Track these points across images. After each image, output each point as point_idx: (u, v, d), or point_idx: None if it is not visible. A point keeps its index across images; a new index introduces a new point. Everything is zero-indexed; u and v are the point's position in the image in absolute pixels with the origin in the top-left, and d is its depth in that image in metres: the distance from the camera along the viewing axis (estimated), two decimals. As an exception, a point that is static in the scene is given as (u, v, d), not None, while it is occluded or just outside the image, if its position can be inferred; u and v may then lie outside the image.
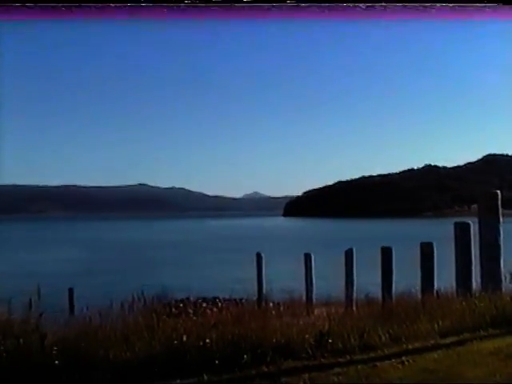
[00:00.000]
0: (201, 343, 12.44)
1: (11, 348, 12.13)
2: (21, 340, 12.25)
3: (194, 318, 14.37)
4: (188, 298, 27.78)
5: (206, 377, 11.56)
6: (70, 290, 16.59)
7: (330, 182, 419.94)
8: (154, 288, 18.28)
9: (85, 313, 13.69)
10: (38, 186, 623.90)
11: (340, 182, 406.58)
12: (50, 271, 52.36)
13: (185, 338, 12.54)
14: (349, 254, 21.09)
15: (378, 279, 19.82)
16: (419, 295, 17.92)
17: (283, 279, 30.76)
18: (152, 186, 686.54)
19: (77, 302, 16.87)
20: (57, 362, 11.89)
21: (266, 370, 11.90)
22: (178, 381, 11.52)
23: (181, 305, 18.83)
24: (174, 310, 15.66)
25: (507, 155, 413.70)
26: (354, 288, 20.59)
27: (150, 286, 17.12)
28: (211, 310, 16.32)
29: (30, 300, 12.91)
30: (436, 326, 13.86)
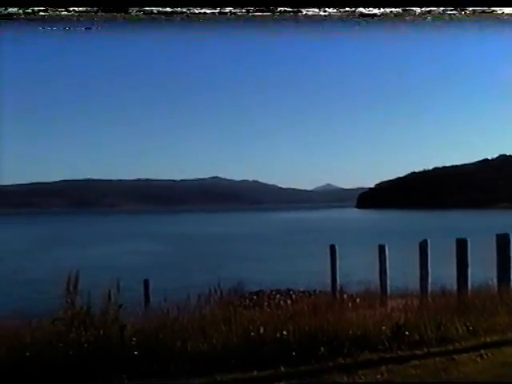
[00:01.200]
0: (278, 335, 12.49)
1: (92, 339, 12.36)
2: (101, 331, 12.48)
3: (269, 309, 14.40)
4: (262, 291, 27.86)
5: (282, 369, 11.60)
6: (146, 282, 16.76)
7: (403, 174, 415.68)
8: (228, 280, 18.38)
9: (162, 305, 13.84)
10: (111, 181, 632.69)
11: (413, 174, 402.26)
12: (125, 264, 53.04)
13: (262, 330, 12.60)
14: (423, 246, 20.86)
15: (453, 271, 19.58)
16: (496, 287, 17.65)
17: (357, 271, 30.62)
18: (225, 179, 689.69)
19: (153, 295, 17.04)
20: (136, 352, 12.09)
21: (342, 362, 11.89)
22: (255, 372, 11.58)
23: (255, 297, 18.92)
24: (248, 302, 15.73)
25: None
26: (429, 280, 20.37)
27: (224, 279, 17.20)
28: (285, 302, 16.33)
29: (109, 292, 13.10)
30: (515, 318, 13.67)
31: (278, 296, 21.03)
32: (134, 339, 12.33)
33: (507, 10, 5.65)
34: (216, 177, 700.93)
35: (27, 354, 12.15)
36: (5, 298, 31.46)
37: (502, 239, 19.17)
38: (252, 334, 12.60)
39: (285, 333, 12.55)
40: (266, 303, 15.84)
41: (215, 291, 15.08)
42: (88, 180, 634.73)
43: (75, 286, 12.84)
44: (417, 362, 11.44)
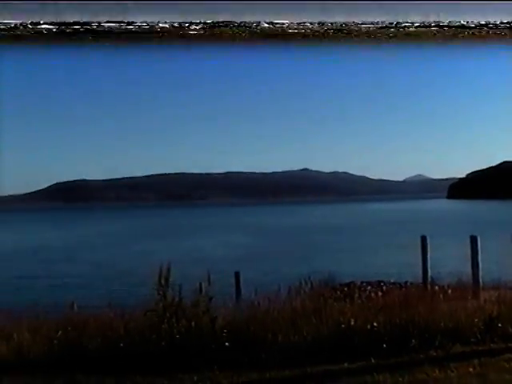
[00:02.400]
0: (368, 327, 12.44)
1: (183, 330, 12.54)
2: (192, 323, 12.64)
3: (359, 301, 14.34)
4: (353, 282, 27.71)
5: (373, 360, 11.56)
6: (237, 274, 16.89)
7: (495, 163, 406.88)
8: (318, 272, 18.38)
9: (253, 297, 13.93)
10: (201, 174, 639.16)
11: (506, 162, 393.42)
12: (216, 257, 53.51)
13: (352, 322, 12.57)
14: (517, 237, 20.43)
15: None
16: None
17: (449, 262, 30.19)
18: (314, 171, 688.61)
19: (243, 287, 17.16)
20: (227, 344, 12.21)
21: (434, 354, 11.77)
22: (346, 364, 11.56)
23: (346, 289, 18.83)
24: (339, 293, 15.68)
25: None
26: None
27: (314, 271, 17.20)
28: (376, 293, 16.20)
29: (200, 284, 13.26)
30: None
31: (368, 288, 20.85)
32: (225, 331, 12.46)
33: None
34: (305, 169, 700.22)
35: (121, 344, 12.41)
36: (99, 291, 32.12)
37: None
38: (342, 325, 12.58)
39: (375, 325, 12.50)
40: (356, 295, 15.75)
41: (306, 283, 15.09)
42: (179, 174, 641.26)
43: (167, 279, 13.02)
44: (510, 356, 11.24)
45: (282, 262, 51.70)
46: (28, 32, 5.07)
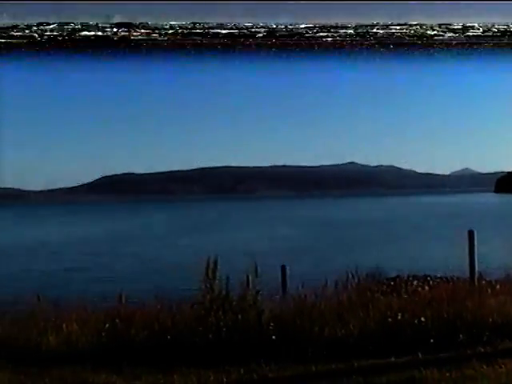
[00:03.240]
0: (415, 321, 12.37)
1: (230, 323, 12.58)
2: (239, 316, 12.67)
3: (405, 295, 14.24)
4: (399, 276, 27.49)
5: (420, 355, 11.48)
6: (283, 268, 16.86)
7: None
8: (365, 266, 18.28)
9: (300, 290, 13.90)
10: (247, 167, 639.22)
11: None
12: (262, 250, 53.44)
13: (399, 316, 12.51)
14: None
15: None
16: None
17: (497, 257, 29.88)
18: (361, 165, 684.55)
19: (290, 280, 17.13)
20: (274, 337, 12.23)
21: (482, 350, 11.66)
22: (393, 359, 11.50)
23: (392, 283, 18.72)
24: (385, 287, 15.59)
25: None
26: None
27: (361, 264, 17.10)
28: (422, 287, 16.06)
29: (247, 277, 13.27)
30: None
31: (415, 282, 20.69)
32: (271, 324, 12.48)
33: None
34: (352, 162, 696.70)
35: (168, 336, 12.51)
36: (145, 284, 32.32)
37: None
38: (389, 319, 12.53)
39: (423, 319, 12.42)
40: (403, 289, 15.64)
41: (353, 277, 15.01)
42: (225, 167, 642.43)
43: (214, 271, 13.06)
44: (560, 351, 11.10)
45: (328, 255, 51.54)
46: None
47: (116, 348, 12.51)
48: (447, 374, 10.39)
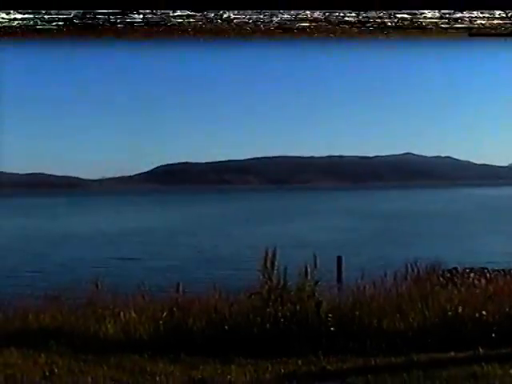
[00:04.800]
0: (477, 315, 12.16)
1: (288, 314, 12.52)
2: (297, 306, 12.61)
3: (462, 288, 14.01)
4: (456, 268, 27.21)
5: (481, 350, 11.28)
6: (339, 259, 16.72)
7: None
8: (421, 258, 18.04)
9: (359, 282, 13.77)
10: (303, 157, 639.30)
11: None
12: (318, 240, 53.31)
13: (460, 310, 12.31)
14: None
15: None
16: None
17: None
18: (418, 155, 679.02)
19: (346, 271, 16.98)
20: (332, 328, 12.13)
21: (545, 345, 11.42)
22: (452, 353, 11.32)
23: (448, 275, 18.49)
24: (441, 279, 15.38)
25: None
26: None
27: (417, 256, 16.88)
28: (479, 280, 15.82)
29: (306, 268, 13.17)
30: None
31: (471, 275, 20.44)
32: (330, 315, 12.38)
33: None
34: (409, 153, 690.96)
35: (225, 327, 12.49)
36: (202, 273, 32.46)
37: None
38: (449, 313, 12.35)
39: (484, 313, 12.21)
40: (459, 282, 15.43)
41: (412, 269, 14.83)
42: (281, 157, 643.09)
43: (273, 262, 13.00)
44: None
45: (384, 246, 51.28)
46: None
47: (173, 337, 12.54)
48: (510, 371, 10.17)
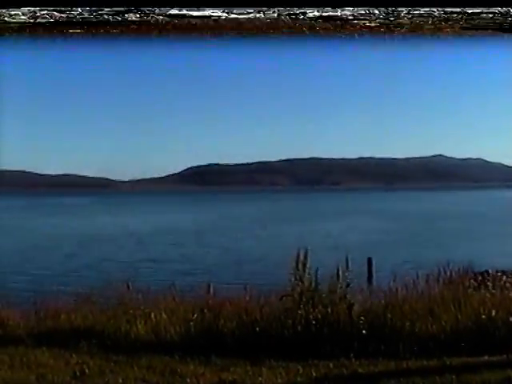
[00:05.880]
0: (510, 319, 12.02)
1: (319, 316, 12.45)
2: (329, 309, 12.53)
3: (493, 291, 13.84)
4: (487, 271, 26.92)
5: (516, 355, 11.14)
6: (369, 260, 16.66)
7: None
8: (453, 260, 17.88)
9: (391, 284, 13.66)
10: (334, 159, 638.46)
11: None
12: (349, 242, 53.08)
13: (493, 313, 12.17)
14: None
15: None
16: None
17: None
18: (448, 157, 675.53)
19: (377, 273, 16.87)
20: (364, 331, 12.04)
21: None
22: (486, 357, 11.19)
23: (480, 278, 18.31)
24: (472, 282, 15.21)
25: None
26: None
27: (448, 258, 16.72)
28: (511, 283, 15.63)
29: (338, 270, 13.09)
30: None
31: (504, 277, 20.21)
32: (361, 318, 12.30)
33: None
34: (439, 155, 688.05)
35: (256, 328, 12.45)
36: (232, 275, 32.45)
37: None
38: (483, 316, 12.22)
39: (518, 317, 12.06)
40: (491, 284, 15.25)
41: (444, 271, 14.68)
42: (312, 158, 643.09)
43: (304, 263, 12.94)
44: None
45: (414, 248, 50.94)
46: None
47: (204, 339, 12.53)
48: (545, 375, 10.03)
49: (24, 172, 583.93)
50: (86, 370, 11.05)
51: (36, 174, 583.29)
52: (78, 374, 10.88)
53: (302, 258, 12.95)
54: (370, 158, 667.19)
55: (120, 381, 10.43)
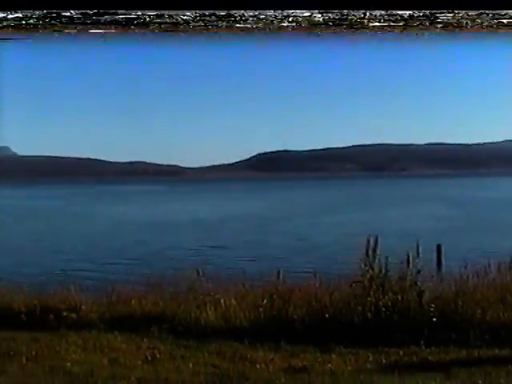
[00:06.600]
0: None
1: (389, 303, 12.37)
2: (399, 295, 12.44)
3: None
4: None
5: None
6: (438, 247, 16.44)
7: None
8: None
9: (462, 271, 13.48)
10: (402, 145, 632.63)
11: None
12: (417, 228, 52.50)
13: None
14: None
15: None
16: None
17: None
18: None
19: (446, 261, 16.65)
20: (434, 319, 11.94)
21: None
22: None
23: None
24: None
25: None
26: None
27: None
28: None
29: (408, 257, 12.97)
30: None
31: None
32: (432, 305, 12.19)
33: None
34: (508, 140, 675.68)
35: (326, 315, 12.43)
36: (303, 262, 32.39)
37: None
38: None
39: None
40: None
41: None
42: (380, 144, 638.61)
43: (374, 251, 12.88)
44: None
45: (482, 235, 50.13)
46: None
47: (274, 325, 12.58)
48: None
49: (92, 160, 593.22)
50: (157, 355, 11.19)
51: (104, 161, 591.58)
52: (149, 358, 11.02)
53: (371, 244, 12.89)
54: (439, 143, 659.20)
55: (190, 366, 10.53)
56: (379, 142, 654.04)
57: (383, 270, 12.81)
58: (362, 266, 12.92)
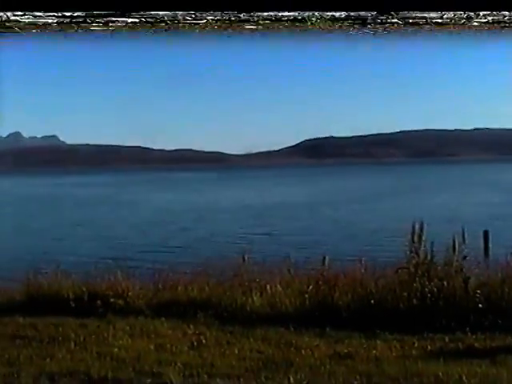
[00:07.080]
0: None
1: (435, 289, 12.31)
2: (444, 282, 12.37)
3: None
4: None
5: None
6: (485, 233, 16.29)
7: None
8: None
9: (509, 258, 13.35)
10: (448, 130, 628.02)
11: None
12: (463, 214, 52.02)
13: None
14: None
15: None
16: None
17: None
18: None
19: (494, 247, 16.48)
20: (480, 305, 11.86)
21: None
22: None
23: None
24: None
25: None
26: None
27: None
28: None
29: (454, 243, 12.88)
30: None
31: None
32: (478, 292, 12.10)
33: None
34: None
35: (371, 301, 12.42)
36: (349, 248, 32.31)
37: None
38: None
39: None
40: None
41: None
42: (426, 130, 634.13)
43: (420, 236, 12.82)
44: None
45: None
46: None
47: (319, 311, 12.60)
48: None
49: (140, 148, 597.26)
50: (203, 341, 11.28)
51: (152, 149, 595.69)
52: (195, 344, 11.12)
53: (417, 230, 12.84)
54: (486, 128, 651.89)
55: (236, 352, 10.59)
56: (426, 128, 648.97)
57: (429, 256, 12.75)
58: (408, 252, 12.88)
